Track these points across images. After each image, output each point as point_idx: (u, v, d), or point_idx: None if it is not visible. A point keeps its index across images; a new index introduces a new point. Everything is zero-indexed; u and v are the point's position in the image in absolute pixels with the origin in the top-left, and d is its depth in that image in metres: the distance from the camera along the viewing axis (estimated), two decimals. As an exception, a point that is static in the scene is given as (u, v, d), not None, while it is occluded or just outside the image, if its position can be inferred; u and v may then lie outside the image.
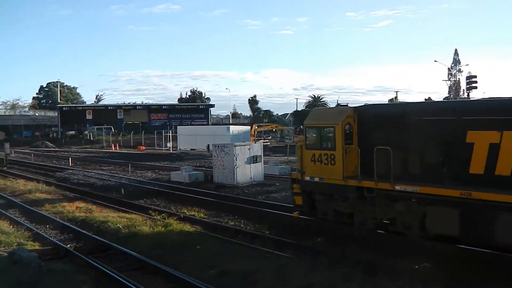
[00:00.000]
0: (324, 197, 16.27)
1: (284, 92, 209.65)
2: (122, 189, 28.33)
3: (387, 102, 40.55)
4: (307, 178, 16.54)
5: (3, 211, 22.58)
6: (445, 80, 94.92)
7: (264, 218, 19.62)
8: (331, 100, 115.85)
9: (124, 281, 12.58)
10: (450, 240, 13.38)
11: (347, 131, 15.48)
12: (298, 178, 17.15)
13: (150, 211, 21.59)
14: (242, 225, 19.05)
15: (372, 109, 16.00)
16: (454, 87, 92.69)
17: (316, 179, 16.19)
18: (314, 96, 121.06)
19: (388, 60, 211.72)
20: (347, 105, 16.55)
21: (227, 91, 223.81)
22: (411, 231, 14.06)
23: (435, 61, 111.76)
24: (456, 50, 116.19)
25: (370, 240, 15.32)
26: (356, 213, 15.41)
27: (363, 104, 16.77)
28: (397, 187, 13.98)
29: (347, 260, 13.35)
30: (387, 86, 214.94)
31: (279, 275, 12.51)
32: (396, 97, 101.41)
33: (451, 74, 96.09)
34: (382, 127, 14.94)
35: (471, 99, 28.24)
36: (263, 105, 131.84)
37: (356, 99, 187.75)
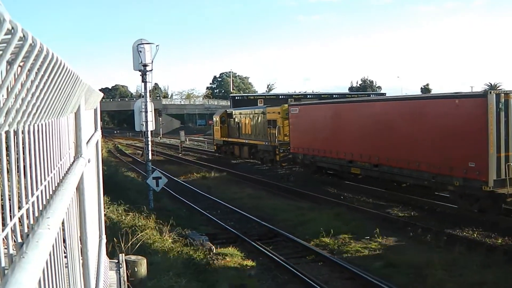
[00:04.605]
0: (221, 146, 43.77)
1: (458, 82, 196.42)
2: (292, 177, 29.12)
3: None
4: (215, 138, 44.92)
5: (179, 196, 24.45)
6: None
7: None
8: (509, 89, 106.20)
9: (291, 268, 13.12)
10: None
11: (223, 119, 42.96)
12: (213, 139, 46.98)
13: (322, 201, 21.99)
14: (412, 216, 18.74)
15: (228, 111, 43.65)
16: None
17: (217, 138, 44.38)
18: (491, 84, 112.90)
19: None
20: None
21: (398, 79, 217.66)
22: (239, 157, 40.69)
23: None
24: None
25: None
26: (228, 152, 42.30)
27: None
28: (230, 139, 41.87)
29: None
30: None
31: (449, 269, 12.27)
32: None
33: None
34: (228, 118, 42.53)
35: (244, 108, 47.08)
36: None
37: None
